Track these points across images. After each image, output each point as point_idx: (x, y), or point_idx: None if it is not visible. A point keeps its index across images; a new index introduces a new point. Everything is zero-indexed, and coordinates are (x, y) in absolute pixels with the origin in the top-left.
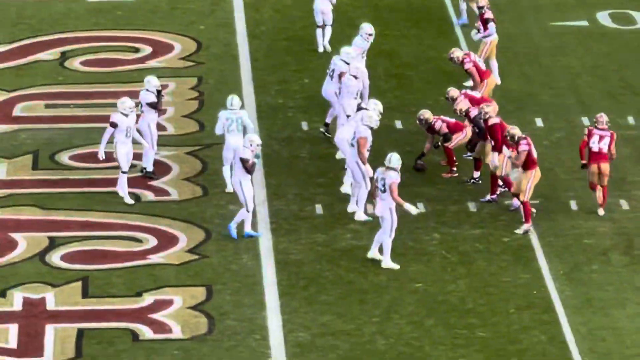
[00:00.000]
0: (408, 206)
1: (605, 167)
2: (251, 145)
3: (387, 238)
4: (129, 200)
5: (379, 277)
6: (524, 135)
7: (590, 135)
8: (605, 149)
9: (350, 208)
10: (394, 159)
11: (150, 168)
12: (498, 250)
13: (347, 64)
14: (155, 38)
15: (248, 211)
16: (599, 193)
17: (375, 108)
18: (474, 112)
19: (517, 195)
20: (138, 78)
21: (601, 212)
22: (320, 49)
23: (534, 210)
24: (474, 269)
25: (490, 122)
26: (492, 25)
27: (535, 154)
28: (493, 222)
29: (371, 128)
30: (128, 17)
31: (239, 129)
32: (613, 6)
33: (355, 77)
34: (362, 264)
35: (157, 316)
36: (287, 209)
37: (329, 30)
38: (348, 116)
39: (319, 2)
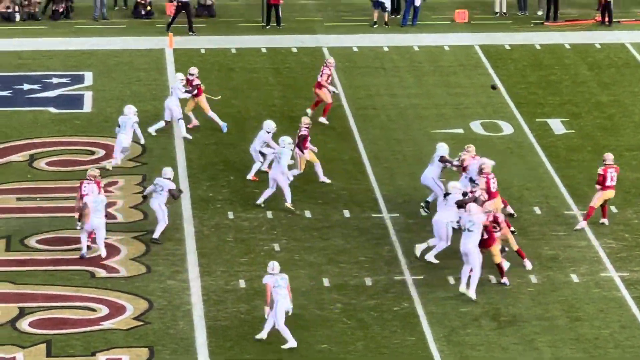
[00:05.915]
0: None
1: (612, 193)
2: None
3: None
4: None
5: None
6: None
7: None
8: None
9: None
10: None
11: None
12: (389, 318)
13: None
14: (107, 143)
15: None
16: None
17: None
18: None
19: None
20: None
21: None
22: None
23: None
24: (370, 333)
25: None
26: None
27: None
28: (384, 294)
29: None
30: (85, 125)
31: None
32: (483, 117)
33: None
34: (277, 330)
35: None
36: (215, 283)
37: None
38: (446, 195)
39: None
